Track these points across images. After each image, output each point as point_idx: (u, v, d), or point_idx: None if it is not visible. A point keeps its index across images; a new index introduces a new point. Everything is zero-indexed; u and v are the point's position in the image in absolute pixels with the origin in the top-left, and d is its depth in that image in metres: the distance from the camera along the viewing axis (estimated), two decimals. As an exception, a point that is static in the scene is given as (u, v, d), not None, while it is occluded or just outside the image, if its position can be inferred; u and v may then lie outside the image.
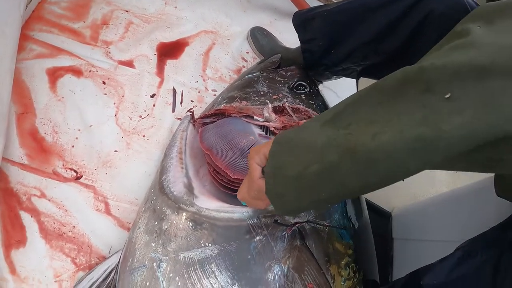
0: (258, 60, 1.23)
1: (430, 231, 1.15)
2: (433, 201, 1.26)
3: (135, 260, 0.76)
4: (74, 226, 0.93)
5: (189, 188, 0.79)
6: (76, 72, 1.04)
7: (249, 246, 0.71)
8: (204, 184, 0.84)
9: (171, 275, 0.71)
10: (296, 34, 1.06)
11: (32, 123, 0.98)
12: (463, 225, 1.02)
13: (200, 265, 0.70)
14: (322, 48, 1.04)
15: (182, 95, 1.08)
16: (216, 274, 0.69)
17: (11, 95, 0.94)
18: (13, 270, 0.88)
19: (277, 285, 0.69)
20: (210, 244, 0.71)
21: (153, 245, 0.75)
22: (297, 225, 0.72)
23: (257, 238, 0.71)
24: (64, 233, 0.92)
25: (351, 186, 0.52)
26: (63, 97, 1.01)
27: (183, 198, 0.77)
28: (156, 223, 0.77)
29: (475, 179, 1.07)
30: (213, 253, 0.70)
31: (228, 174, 0.78)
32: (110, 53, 1.08)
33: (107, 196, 0.96)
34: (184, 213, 0.75)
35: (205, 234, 0.72)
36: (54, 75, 1.03)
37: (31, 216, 0.92)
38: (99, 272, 0.88)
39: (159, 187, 0.82)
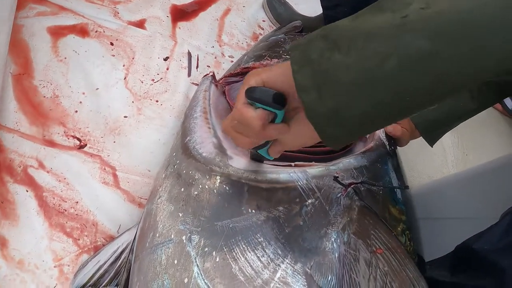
0: (275, 28, 1.08)
1: (451, 208, 1.03)
2: (450, 180, 1.13)
3: (157, 235, 0.58)
4: (77, 202, 0.74)
5: (220, 149, 0.61)
6: (81, 32, 0.85)
7: (300, 210, 0.53)
8: (235, 146, 0.66)
9: (206, 249, 0.53)
10: (312, 5, 0.92)
11: (30, 85, 0.80)
12: (485, 201, 0.90)
13: (243, 235, 0.52)
14: (347, 15, 0.89)
15: (198, 59, 0.90)
16: (264, 245, 0.51)
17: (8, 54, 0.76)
18: (5, 254, 0.70)
19: (337, 255, 0.51)
20: (254, 210, 0.53)
21: (180, 215, 0.57)
22: (352, 186, 0.56)
23: (309, 201, 0.54)
24: (65, 210, 0.74)
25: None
26: (65, 58, 0.83)
27: (216, 160, 0.59)
28: (182, 189, 0.59)
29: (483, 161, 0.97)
30: (259, 220, 0.53)
31: None
32: (118, 13, 0.89)
33: (116, 167, 0.77)
34: (219, 176, 0.57)
35: (247, 198, 0.54)
36: (56, 34, 0.85)
37: (27, 191, 0.74)
38: (107, 254, 0.69)
39: (183, 150, 0.64)
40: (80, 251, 0.72)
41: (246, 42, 1.00)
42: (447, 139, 1.35)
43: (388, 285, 0.49)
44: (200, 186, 0.58)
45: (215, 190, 0.57)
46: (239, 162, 0.60)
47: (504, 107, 1.42)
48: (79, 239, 0.72)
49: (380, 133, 0.69)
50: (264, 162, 0.62)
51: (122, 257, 0.68)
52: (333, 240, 0.53)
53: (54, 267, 0.70)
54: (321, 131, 0.39)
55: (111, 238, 0.73)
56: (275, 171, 0.57)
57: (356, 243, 0.52)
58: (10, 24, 0.77)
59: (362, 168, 0.60)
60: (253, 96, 0.41)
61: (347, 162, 0.60)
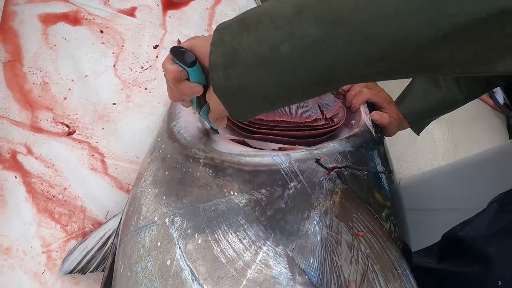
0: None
1: (440, 199, 1.02)
2: (439, 171, 1.12)
3: (141, 218, 0.57)
4: (65, 188, 0.73)
5: (205, 133, 0.60)
6: (71, 19, 0.84)
7: (283, 193, 0.52)
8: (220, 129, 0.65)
9: (189, 231, 0.52)
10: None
11: (20, 72, 0.78)
12: (474, 192, 0.90)
13: (225, 217, 0.51)
14: None
15: (188, 47, 0.89)
16: (245, 227, 0.50)
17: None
18: (-7, 239, 0.69)
19: (319, 238, 0.50)
20: (236, 193, 0.52)
21: (164, 198, 0.56)
22: (335, 170, 0.54)
23: (291, 184, 0.53)
24: (54, 196, 0.73)
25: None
26: (55, 45, 0.81)
27: (199, 143, 0.58)
28: (167, 172, 0.58)
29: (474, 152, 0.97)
30: (240, 202, 0.52)
31: None
32: (108, 1, 0.88)
33: (104, 153, 0.76)
34: (202, 159, 0.56)
35: (229, 181, 0.53)
36: (46, 22, 0.83)
37: (16, 177, 0.72)
38: (94, 240, 0.68)
39: (168, 134, 0.63)
40: (68, 237, 0.71)
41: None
42: (438, 132, 1.34)
43: (370, 267, 0.48)
44: (184, 169, 0.57)
45: (198, 173, 0.56)
46: (223, 146, 0.58)
47: (495, 101, 1.41)
48: (67, 225, 0.71)
49: (366, 120, 0.67)
50: (249, 146, 0.61)
51: (109, 242, 0.67)
52: (315, 223, 0.52)
53: (42, 253, 0.69)
54: (227, 106, 0.43)
55: (99, 224, 0.72)
56: (258, 154, 0.56)
57: (338, 226, 0.51)
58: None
59: (346, 152, 0.59)
60: (171, 51, 0.46)
61: (331, 146, 0.58)
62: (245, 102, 0.42)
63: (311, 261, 0.50)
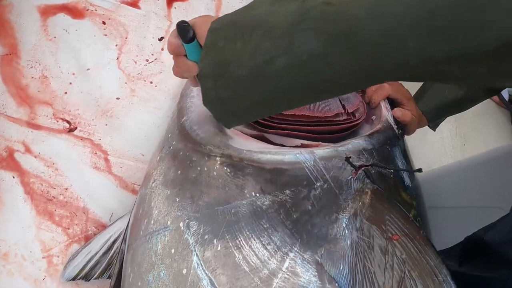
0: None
1: (452, 198, 0.98)
2: (451, 168, 1.08)
3: (152, 222, 0.52)
4: (66, 188, 0.68)
5: (219, 128, 0.55)
6: (72, 10, 0.78)
7: (309, 194, 0.47)
8: None
9: (207, 237, 0.46)
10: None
11: (17, 66, 0.72)
12: (486, 190, 0.87)
13: (247, 221, 0.46)
14: None
15: (195, 40, 0.84)
16: (270, 231, 0.45)
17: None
18: (-11, 243, 0.63)
19: (349, 242, 0.46)
20: (258, 194, 0.47)
21: (177, 199, 0.50)
22: (362, 168, 0.50)
23: (317, 184, 0.48)
24: (54, 197, 0.67)
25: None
26: (55, 37, 0.75)
27: (215, 140, 0.53)
28: (179, 172, 0.53)
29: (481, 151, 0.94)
30: (263, 204, 0.47)
31: None
32: (111, -9, 0.82)
33: (107, 151, 0.70)
34: (218, 157, 0.51)
35: (250, 181, 0.48)
36: (46, 13, 0.77)
37: (13, 177, 0.67)
38: (98, 244, 0.63)
39: (179, 130, 0.57)
40: (70, 240, 0.66)
41: (245, 23, 0.93)
42: (446, 129, 1.32)
43: (407, 274, 0.43)
44: (199, 168, 0.52)
45: (214, 172, 0.50)
46: (240, 142, 0.53)
47: (500, 98, 1.38)
48: (68, 228, 0.66)
49: (387, 116, 0.63)
50: (269, 142, 0.56)
51: (115, 247, 0.62)
52: (344, 226, 0.47)
53: (43, 258, 0.64)
54: (213, 113, 0.43)
55: (103, 227, 0.67)
56: (280, 151, 0.51)
57: (369, 229, 0.46)
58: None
59: (371, 150, 0.54)
60: (177, 25, 0.45)
61: (356, 143, 0.54)
62: (232, 113, 0.42)
63: (341, 268, 0.45)
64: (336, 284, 0.44)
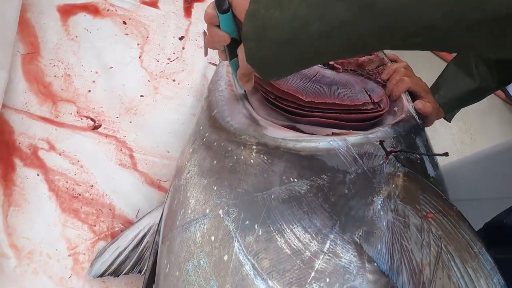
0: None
1: (466, 190, 0.99)
2: (463, 162, 1.09)
3: (189, 211, 0.51)
4: (92, 186, 0.67)
5: (252, 119, 0.55)
6: (92, 10, 0.79)
7: (344, 178, 0.48)
8: (267, 115, 0.60)
9: (247, 222, 0.46)
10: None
11: (39, 64, 0.72)
12: (500, 181, 0.89)
13: (287, 205, 0.46)
14: None
15: (214, 39, 0.85)
16: (310, 215, 0.45)
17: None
18: (15, 243, 0.62)
19: (385, 223, 0.46)
20: (296, 180, 0.47)
21: (215, 188, 0.50)
22: (393, 153, 0.50)
23: (352, 169, 0.48)
24: (80, 194, 0.66)
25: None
26: (76, 36, 0.76)
27: (249, 130, 0.53)
28: (215, 162, 0.53)
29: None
30: (301, 189, 0.47)
31: (299, 96, 0.56)
32: (130, -8, 0.83)
33: (133, 148, 0.70)
34: (254, 146, 0.51)
35: (287, 168, 0.48)
36: (66, 13, 0.78)
37: (38, 174, 0.66)
38: (126, 240, 0.62)
39: (211, 123, 0.58)
40: (97, 238, 0.65)
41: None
42: (455, 125, 1.34)
43: (444, 249, 0.44)
44: (235, 157, 0.52)
45: (252, 160, 0.51)
46: (274, 132, 0.54)
47: (506, 94, 1.41)
48: (95, 225, 0.65)
49: (409, 106, 0.64)
50: (301, 131, 0.57)
51: (145, 241, 0.61)
52: (379, 208, 0.47)
53: (69, 256, 0.63)
54: (257, 70, 0.45)
55: (129, 224, 0.66)
56: (313, 139, 0.52)
57: (404, 209, 0.47)
58: (19, 2, 0.70)
59: (398, 137, 0.55)
60: None
61: (384, 130, 0.55)
62: (272, 69, 0.45)
63: (379, 248, 0.45)
64: (375, 264, 0.45)
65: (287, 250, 0.45)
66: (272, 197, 0.47)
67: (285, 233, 0.45)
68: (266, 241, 0.45)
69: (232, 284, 0.45)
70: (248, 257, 0.45)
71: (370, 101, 0.61)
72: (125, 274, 0.60)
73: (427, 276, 0.43)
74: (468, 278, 0.42)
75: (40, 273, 0.61)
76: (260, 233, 0.46)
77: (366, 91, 0.62)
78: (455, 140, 1.33)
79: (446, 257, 0.43)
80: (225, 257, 0.46)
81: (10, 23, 0.66)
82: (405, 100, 0.66)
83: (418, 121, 0.63)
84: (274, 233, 0.46)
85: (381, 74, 0.70)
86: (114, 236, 0.65)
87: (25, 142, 0.67)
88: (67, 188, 0.66)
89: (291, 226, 0.46)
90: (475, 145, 1.34)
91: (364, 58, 0.70)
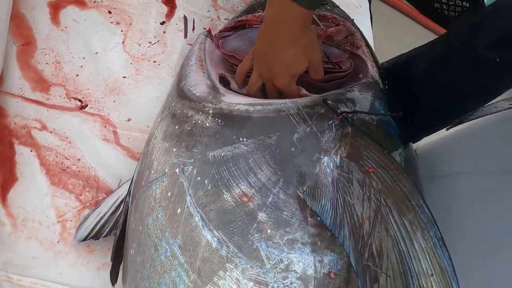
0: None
1: (463, 163, 0.95)
2: (457, 134, 1.05)
3: (152, 172, 0.55)
4: (79, 159, 0.72)
5: (214, 89, 0.58)
6: (80, 2, 0.83)
7: (292, 137, 0.49)
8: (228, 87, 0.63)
9: (199, 178, 0.49)
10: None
11: (33, 54, 0.77)
12: (494, 154, 0.84)
13: (234, 162, 0.48)
14: None
15: (194, 23, 0.87)
16: (255, 171, 0.47)
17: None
18: (10, 212, 0.67)
19: (330, 179, 0.47)
20: (245, 139, 0.50)
21: (174, 150, 0.53)
22: (343, 114, 0.51)
23: (300, 128, 0.50)
24: (68, 167, 0.71)
25: None
26: (66, 27, 0.80)
27: (209, 97, 0.56)
28: (177, 127, 0.56)
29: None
30: (249, 148, 0.49)
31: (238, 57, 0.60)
32: (116, -16, 0.87)
33: (116, 124, 0.74)
34: (211, 110, 0.54)
35: (238, 128, 0.51)
36: (56, 7, 0.83)
37: (31, 151, 0.71)
38: (107, 206, 0.66)
39: (178, 93, 0.61)
40: (82, 206, 0.69)
41: (241, 6, 0.96)
42: None
43: (383, 202, 0.45)
44: (193, 122, 0.55)
45: (207, 123, 0.53)
46: (232, 98, 0.56)
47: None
48: (81, 195, 0.70)
49: (373, 72, 0.64)
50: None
51: (121, 206, 0.64)
52: (325, 165, 0.49)
53: (57, 222, 0.68)
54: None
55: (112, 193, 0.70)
56: (266, 102, 0.54)
57: (348, 166, 0.48)
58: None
59: (353, 99, 0.56)
60: None
61: (338, 93, 0.56)
62: None
63: (323, 203, 0.47)
64: (318, 218, 0.46)
65: (232, 203, 0.47)
66: (222, 155, 0.50)
67: (231, 187, 0.48)
68: (214, 195, 0.48)
69: (183, 234, 0.48)
70: (198, 209, 0.48)
71: (327, 60, 0.62)
72: (104, 236, 0.64)
73: (366, 229, 0.44)
74: (404, 231, 0.43)
75: (32, 239, 0.66)
76: (209, 187, 0.49)
77: (325, 53, 0.63)
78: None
79: (385, 210, 0.44)
80: (178, 210, 0.49)
81: (2, 16, 0.71)
82: (370, 66, 0.67)
83: (382, 85, 0.63)
84: (221, 188, 0.48)
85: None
86: (97, 204, 0.69)
87: (20, 123, 0.72)
88: (57, 162, 0.71)
89: (237, 181, 0.48)
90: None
91: (332, 29, 0.71)
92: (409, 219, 0.43)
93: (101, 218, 0.65)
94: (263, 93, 0.61)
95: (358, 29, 0.74)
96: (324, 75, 0.61)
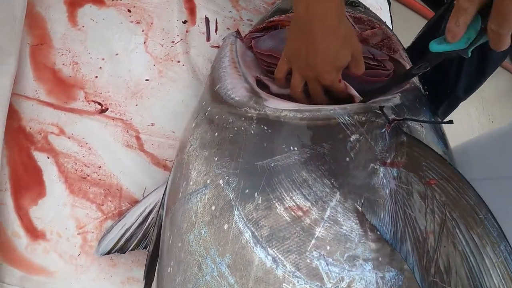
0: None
1: (484, 169, 0.94)
2: (479, 140, 1.04)
3: (191, 183, 0.50)
4: (100, 167, 0.67)
5: (254, 92, 0.54)
6: (97, 1, 0.78)
7: (345, 146, 0.46)
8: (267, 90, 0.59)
9: (247, 191, 0.45)
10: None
11: (48, 54, 0.72)
12: None
13: (287, 174, 0.44)
14: None
15: (216, 23, 0.83)
16: (310, 182, 0.43)
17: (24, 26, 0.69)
18: (26, 223, 0.62)
19: (387, 191, 0.44)
20: (296, 148, 0.46)
21: (216, 159, 0.49)
22: (395, 121, 0.48)
23: (353, 137, 0.46)
24: (88, 175, 0.66)
25: None
26: (83, 26, 0.75)
27: (250, 102, 0.52)
28: (216, 134, 0.51)
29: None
30: (302, 157, 0.45)
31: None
32: (134, -18, 0.83)
33: (139, 129, 0.69)
34: (255, 117, 0.50)
35: (287, 136, 0.47)
36: (73, 5, 0.78)
37: (48, 157, 0.66)
38: (133, 217, 0.61)
39: (213, 97, 0.57)
40: (104, 217, 0.64)
41: (263, 6, 0.92)
42: (472, 106, 1.30)
43: (448, 215, 0.41)
44: (236, 128, 0.50)
45: (252, 131, 0.49)
46: (275, 103, 0.52)
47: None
48: (102, 205, 0.65)
49: (415, 78, 0.61)
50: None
51: (150, 217, 0.60)
52: (382, 175, 0.45)
53: (78, 234, 0.63)
54: None
55: (136, 203, 0.65)
56: (314, 109, 0.50)
57: (407, 177, 0.44)
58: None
59: (402, 106, 0.53)
60: None
61: (386, 100, 0.53)
62: None
63: (382, 216, 0.43)
64: (378, 232, 0.43)
65: (286, 218, 0.43)
66: (272, 165, 0.46)
67: (284, 200, 0.44)
68: (265, 209, 0.44)
69: (232, 253, 0.44)
70: (248, 225, 0.44)
71: (372, 57, 0.59)
72: (131, 250, 0.60)
73: (431, 244, 0.41)
74: (473, 245, 0.40)
75: (51, 252, 0.62)
76: (259, 201, 0.44)
77: (368, 51, 0.61)
78: (473, 121, 1.29)
79: (451, 224, 0.41)
80: (225, 226, 0.45)
81: (17, 14, 0.66)
82: None
83: (423, 92, 0.61)
84: (274, 201, 0.44)
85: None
86: (121, 215, 0.64)
87: (36, 127, 0.67)
88: (76, 170, 0.66)
89: (290, 194, 0.44)
90: (493, 126, 1.30)
91: (368, 32, 0.67)
92: (477, 233, 0.40)
93: (127, 230, 0.60)
94: (305, 93, 0.57)
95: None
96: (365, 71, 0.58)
